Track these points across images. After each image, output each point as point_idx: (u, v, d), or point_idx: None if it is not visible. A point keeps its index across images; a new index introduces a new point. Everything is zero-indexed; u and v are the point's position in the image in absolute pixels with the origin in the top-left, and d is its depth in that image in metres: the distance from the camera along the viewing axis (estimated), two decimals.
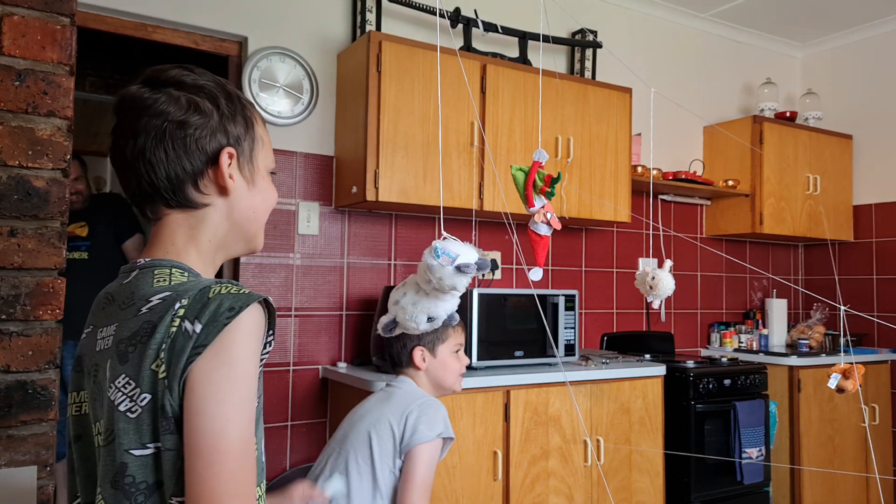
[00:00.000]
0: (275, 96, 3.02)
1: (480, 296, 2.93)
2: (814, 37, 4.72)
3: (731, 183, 4.09)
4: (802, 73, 4.91)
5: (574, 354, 3.20)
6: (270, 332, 0.97)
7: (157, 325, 0.90)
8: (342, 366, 3.04)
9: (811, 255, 4.75)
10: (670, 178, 3.91)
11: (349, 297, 3.18)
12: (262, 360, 0.96)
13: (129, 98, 1.03)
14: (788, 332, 4.33)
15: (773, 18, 4.41)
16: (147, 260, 1.01)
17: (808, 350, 4.03)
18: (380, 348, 2.82)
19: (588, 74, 3.81)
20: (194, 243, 1.03)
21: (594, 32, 3.82)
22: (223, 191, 1.03)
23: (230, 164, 1.03)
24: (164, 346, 0.89)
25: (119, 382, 0.91)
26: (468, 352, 2.91)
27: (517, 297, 3.09)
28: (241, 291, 0.93)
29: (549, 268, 3.76)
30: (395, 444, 1.90)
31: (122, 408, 0.90)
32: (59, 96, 1.56)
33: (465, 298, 2.92)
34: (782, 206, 4.15)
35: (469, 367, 2.91)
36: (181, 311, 0.90)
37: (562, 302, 3.16)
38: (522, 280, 3.62)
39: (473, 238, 3.46)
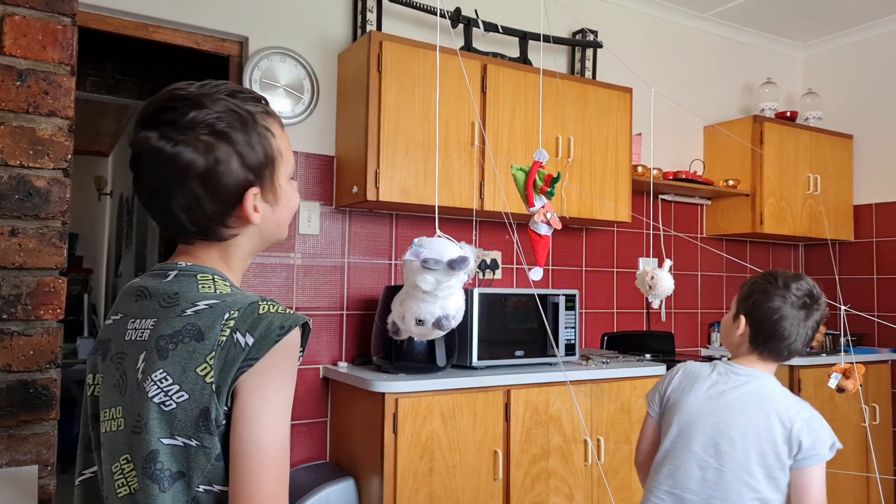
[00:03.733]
0: (275, 96, 3.02)
1: (481, 295, 2.93)
2: (814, 37, 4.72)
3: (731, 183, 4.09)
4: (803, 72, 4.91)
5: (574, 354, 3.20)
6: (302, 348, 1.02)
7: (205, 331, 0.96)
8: (343, 365, 3.04)
9: (811, 254, 4.75)
10: (671, 177, 3.91)
11: (350, 296, 3.18)
12: None
13: (149, 151, 1.01)
14: None
15: (773, 18, 4.41)
16: (188, 264, 1.05)
17: (808, 350, 4.03)
18: (380, 347, 2.83)
19: (588, 74, 3.81)
20: (226, 262, 1.08)
21: (595, 32, 3.82)
22: (248, 222, 1.06)
23: (254, 199, 1.05)
24: (213, 353, 0.95)
25: (156, 376, 0.96)
26: (469, 352, 2.91)
27: (517, 296, 3.09)
28: (288, 311, 0.99)
29: (550, 267, 3.76)
30: (779, 460, 1.71)
31: (156, 399, 0.95)
32: (60, 96, 1.56)
33: (466, 298, 2.91)
34: (783, 205, 4.15)
35: (469, 367, 2.91)
36: (231, 322, 0.96)
37: (562, 301, 3.17)
38: (523, 280, 3.62)
39: (474, 238, 3.46)
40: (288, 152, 1.11)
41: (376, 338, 2.87)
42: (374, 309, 3.14)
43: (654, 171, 3.83)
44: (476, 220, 3.44)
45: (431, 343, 2.77)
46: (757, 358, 1.80)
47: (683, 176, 3.94)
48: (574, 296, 3.22)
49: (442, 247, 1.23)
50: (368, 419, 2.69)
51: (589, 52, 3.82)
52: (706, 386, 1.79)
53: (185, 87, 1.03)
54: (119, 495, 0.97)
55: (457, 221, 3.44)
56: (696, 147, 4.38)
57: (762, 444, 1.70)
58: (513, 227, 3.52)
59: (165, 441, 0.95)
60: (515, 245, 3.59)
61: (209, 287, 1.02)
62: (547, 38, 3.64)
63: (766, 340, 1.76)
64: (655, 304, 2.06)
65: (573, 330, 3.19)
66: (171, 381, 0.95)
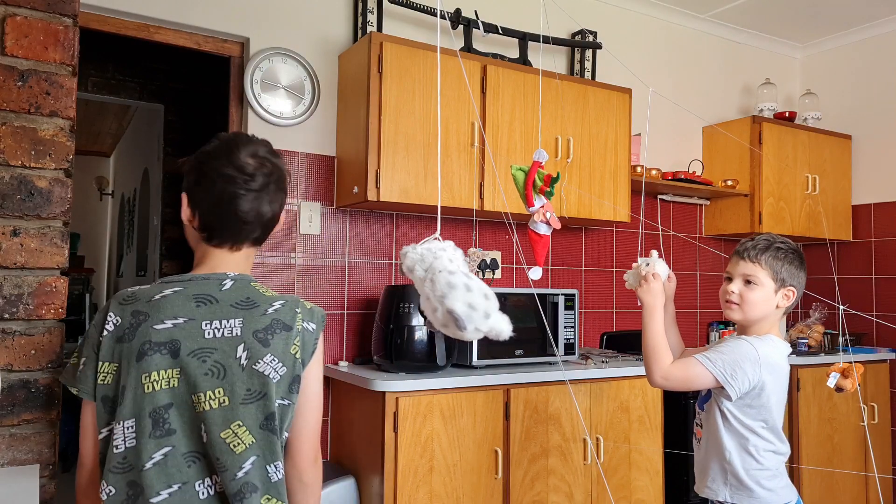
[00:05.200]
0: (276, 97, 3.03)
1: None
2: (813, 37, 4.72)
3: (730, 183, 4.10)
4: (801, 73, 4.92)
5: (574, 353, 3.21)
6: None
7: (290, 324, 1.35)
8: (344, 365, 3.05)
9: (810, 254, 4.75)
10: (669, 178, 3.92)
11: (350, 296, 3.19)
12: None
13: (274, 166, 1.42)
14: (787, 331, 4.33)
15: (772, 19, 4.42)
16: (236, 274, 1.40)
17: (807, 349, 4.04)
18: (381, 347, 2.84)
19: (588, 75, 3.81)
20: (247, 266, 1.45)
21: (594, 33, 3.83)
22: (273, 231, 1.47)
23: None
24: (297, 337, 1.36)
25: (266, 359, 1.32)
26: (469, 351, 2.92)
27: (517, 296, 3.10)
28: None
29: (549, 267, 3.77)
30: None
31: (269, 375, 1.31)
32: (62, 97, 1.57)
33: None
34: (781, 205, 4.16)
35: (469, 366, 2.92)
36: (300, 315, 1.38)
37: (561, 301, 3.17)
38: (522, 279, 3.63)
39: (474, 238, 3.47)
40: None
41: (377, 337, 2.88)
42: (374, 309, 3.15)
43: (654, 172, 3.83)
44: (476, 220, 3.45)
45: (432, 342, 2.78)
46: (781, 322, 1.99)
47: (682, 176, 3.94)
48: (573, 295, 3.23)
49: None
50: (369, 418, 2.70)
51: (588, 52, 3.83)
52: (786, 373, 1.94)
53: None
54: (237, 452, 1.28)
55: (457, 221, 3.45)
56: (695, 147, 4.39)
57: None
58: (512, 226, 3.53)
59: (277, 403, 1.32)
60: (515, 245, 3.60)
61: (266, 291, 1.39)
62: (546, 39, 3.65)
63: (796, 306, 1.96)
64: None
65: (572, 329, 3.20)
66: (277, 360, 1.32)
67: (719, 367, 1.85)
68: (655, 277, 2.01)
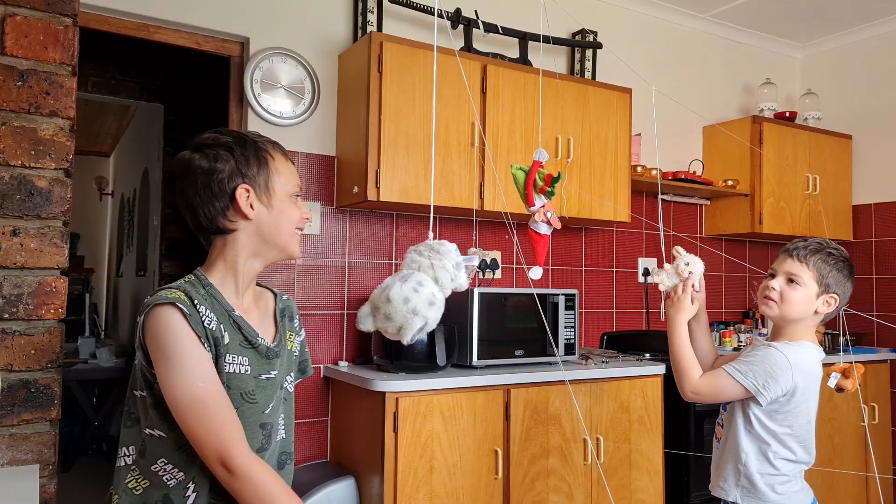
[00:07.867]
0: (276, 97, 3.03)
1: (481, 295, 2.94)
2: (813, 37, 4.72)
3: (730, 183, 4.09)
4: (802, 73, 4.91)
5: (574, 353, 3.21)
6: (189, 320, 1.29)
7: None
8: (343, 365, 3.05)
9: None
10: (670, 177, 3.92)
11: (350, 296, 3.19)
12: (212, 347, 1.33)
13: (178, 162, 1.39)
14: None
15: (772, 19, 4.42)
16: (194, 271, 1.42)
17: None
18: (381, 347, 2.84)
19: (588, 75, 3.81)
20: (224, 258, 1.41)
21: (594, 33, 3.83)
22: (245, 217, 1.38)
23: (248, 198, 1.37)
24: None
25: None
26: (469, 351, 2.92)
27: (517, 296, 3.10)
28: (159, 294, 1.30)
29: (550, 267, 3.77)
30: None
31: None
32: (62, 96, 1.57)
33: (466, 298, 2.92)
34: (782, 205, 4.16)
35: (469, 366, 2.92)
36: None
37: (562, 301, 3.17)
38: (523, 279, 3.63)
39: (474, 238, 3.47)
40: (288, 174, 1.45)
41: (377, 337, 2.88)
42: None
43: (654, 171, 3.82)
44: (476, 220, 3.44)
45: (432, 342, 2.78)
46: (818, 327, 1.94)
47: (683, 176, 3.94)
48: (574, 295, 3.22)
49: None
50: (369, 418, 2.70)
51: (588, 52, 3.82)
52: (819, 379, 1.90)
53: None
54: None
55: (457, 221, 3.44)
56: (696, 147, 4.38)
57: None
58: (512, 226, 3.53)
59: (133, 392, 1.36)
60: (515, 245, 3.60)
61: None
62: (547, 39, 3.64)
63: (837, 312, 1.92)
64: (698, 286, 2.07)
65: (573, 329, 3.20)
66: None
67: (750, 379, 1.83)
68: (687, 287, 2.02)
